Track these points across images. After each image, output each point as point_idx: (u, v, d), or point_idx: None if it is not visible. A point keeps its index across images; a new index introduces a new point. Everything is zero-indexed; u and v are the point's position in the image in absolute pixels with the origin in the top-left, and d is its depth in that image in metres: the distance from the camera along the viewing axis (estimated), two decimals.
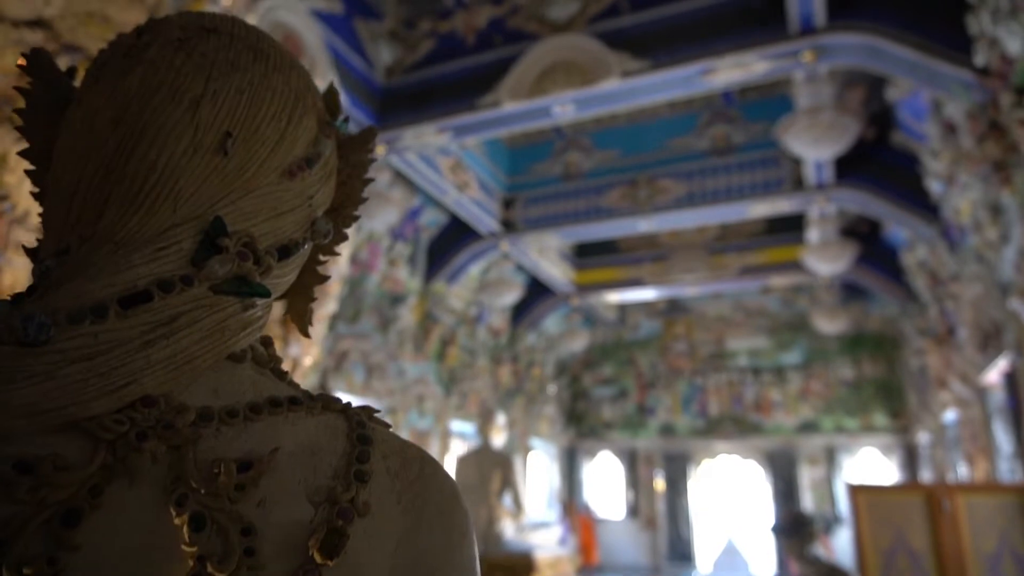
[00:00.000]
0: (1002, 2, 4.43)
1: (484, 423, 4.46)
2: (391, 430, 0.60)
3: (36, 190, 0.60)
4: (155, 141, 0.52)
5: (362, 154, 0.67)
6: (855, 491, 3.68)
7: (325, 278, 0.69)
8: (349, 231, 0.71)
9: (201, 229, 0.53)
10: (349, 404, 0.59)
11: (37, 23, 1.61)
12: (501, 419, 4.53)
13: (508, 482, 4.24)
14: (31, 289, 0.51)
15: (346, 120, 0.67)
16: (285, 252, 0.59)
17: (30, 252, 0.58)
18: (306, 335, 0.68)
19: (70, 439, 0.46)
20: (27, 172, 0.60)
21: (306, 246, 0.61)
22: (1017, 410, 5.48)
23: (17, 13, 1.58)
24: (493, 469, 4.21)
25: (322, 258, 0.68)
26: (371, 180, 0.70)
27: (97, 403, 0.46)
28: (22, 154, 0.60)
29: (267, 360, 0.59)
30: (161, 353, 0.48)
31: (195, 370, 0.50)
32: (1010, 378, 5.60)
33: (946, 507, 3.42)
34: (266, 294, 0.56)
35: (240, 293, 0.53)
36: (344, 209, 0.68)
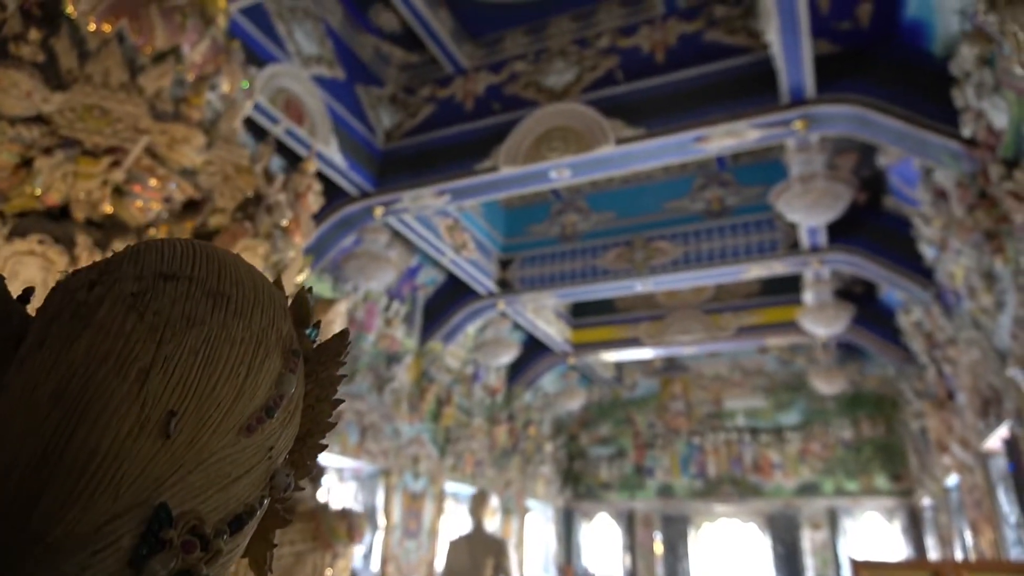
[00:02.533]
0: (986, 77, 4.55)
1: (477, 506, 4.34)
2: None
3: None
4: (98, 421, 0.48)
5: (332, 369, 0.62)
6: (859, 567, 3.59)
7: (287, 521, 0.63)
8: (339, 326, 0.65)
9: (144, 518, 0.48)
10: None
11: (34, 119, 1.62)
12: (495, 501, 4.43)
13: (501, 569, 4.12)
14: None
15: (317, 325, 0.63)
16: (238, 524, 0.54)
17: None
18: None
19: None
20: None
21: (263, 505, 0.57)
22: (1019, 478, 5.39)
23: (14, 111, 1.58)
24: (486, 555, 4.08)
25: (285, 496, 0.61)
26: (341, 402, 0.65)
27: None
28: None
29: None
30: None
31: None
32: (1011, 445, 5.54)
33: None
34: None
35: None
36: (310, 438, 0.62)
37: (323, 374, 0.62)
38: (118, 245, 1.52)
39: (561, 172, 6.46)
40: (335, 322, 2.01)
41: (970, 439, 6.66)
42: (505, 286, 9.24)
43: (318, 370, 0.62)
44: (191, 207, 1.74)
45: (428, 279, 9.19)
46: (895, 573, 3.53)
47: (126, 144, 1.62)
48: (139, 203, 1.59)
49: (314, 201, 2.08)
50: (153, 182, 1.58)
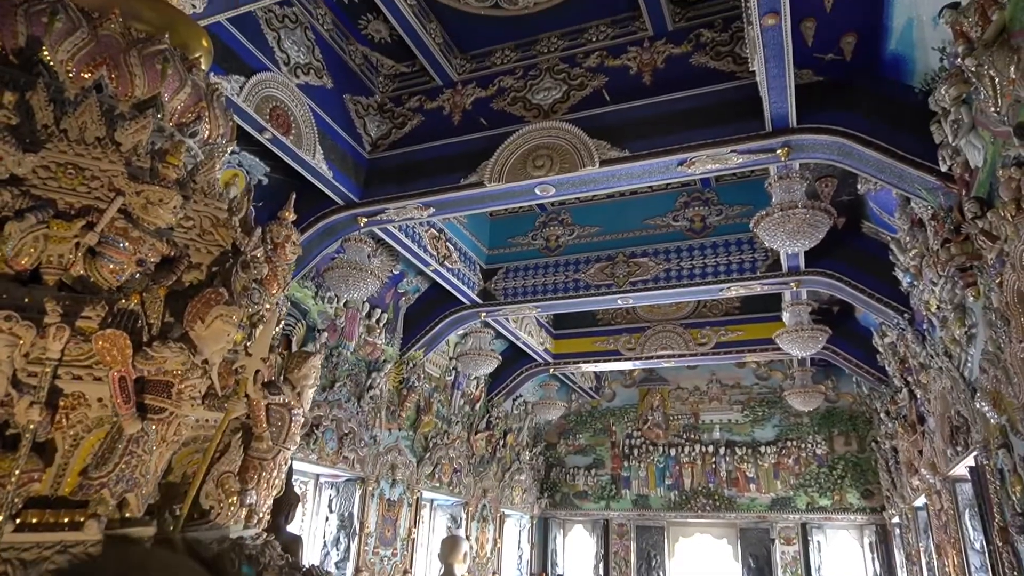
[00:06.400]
0: (963, 115, 4.63)
1: (448, 551, 4.36)
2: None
3: None
4: None
5: None
6: None
7: None
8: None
9: None
10: None
11: (5, 181, 1.60)
12: (465, 546, 4.44)
13: None
14: None
15: None
16: None
17: None
18: None
19: None
20: None
21: None
22: (984, 507, 5.50)
23: None
24: None
25: None
26: None
27: None
28: None
29: None
30: None
31: None
32: (977, 474, 5.64)
33: None
34: None
35: None
36: None
37: None
38: (88, 312, 1.52)
39: (545, 189, 6.49)
40: (309, 376, 2.02)
41: (938, 464, 6.78)
42: (488, 297, 9.26)
43: None
44: (165, 263, 1.74)
45: (411, 287, 9.18)
46: None
47: (99, 203, 1.61)
48: (112, 266, 1.59)
49: (292, 251, 2.08)
50: (127, 245, 1.57)
